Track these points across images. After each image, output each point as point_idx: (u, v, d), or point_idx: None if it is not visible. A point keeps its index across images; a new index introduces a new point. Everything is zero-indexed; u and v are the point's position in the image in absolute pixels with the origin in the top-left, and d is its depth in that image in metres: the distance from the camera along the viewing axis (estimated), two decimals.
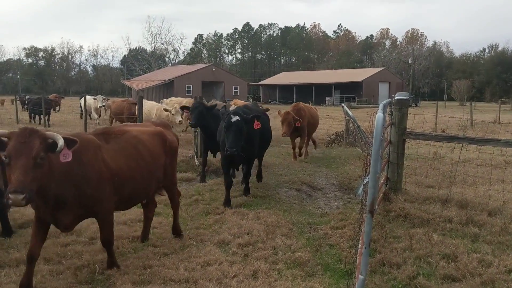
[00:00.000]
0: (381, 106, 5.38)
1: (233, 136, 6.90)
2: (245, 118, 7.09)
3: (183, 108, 10.60)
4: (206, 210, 6.98)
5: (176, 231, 5.73)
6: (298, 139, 11.99)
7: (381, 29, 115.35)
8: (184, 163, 10.53)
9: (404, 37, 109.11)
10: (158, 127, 5.53)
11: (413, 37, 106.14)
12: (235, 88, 65.60)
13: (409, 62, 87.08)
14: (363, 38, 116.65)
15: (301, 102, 12.67)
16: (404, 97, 7.61)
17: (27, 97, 36.52)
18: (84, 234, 5.59)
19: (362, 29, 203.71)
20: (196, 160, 10.67)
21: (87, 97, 24.00)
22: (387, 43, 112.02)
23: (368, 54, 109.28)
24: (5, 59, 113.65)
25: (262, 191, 8.08)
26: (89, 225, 5.91)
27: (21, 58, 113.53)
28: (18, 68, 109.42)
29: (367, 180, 5.77)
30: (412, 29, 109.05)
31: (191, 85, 60.13)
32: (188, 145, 13.34)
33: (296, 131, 11.32)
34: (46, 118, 22.25)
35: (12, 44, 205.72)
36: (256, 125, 7.24)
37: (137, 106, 11.39)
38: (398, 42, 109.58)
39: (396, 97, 7.50)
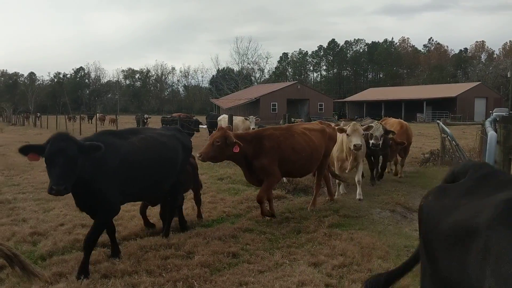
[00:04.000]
0: (487, 123, 5.05)
1: None
2: None
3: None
4: (297, 228, 6.92)
5: None
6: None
7: (476, 41, 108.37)
8: None
9: (501, 49, 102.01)
10: None
11: None
12: (320, 105, 65.28)
13: (508, 76, 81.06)
14: (456, 51, 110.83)
15: (302, 122, 9.50)
16: (503, 113, 7.10)
17: (145, 116, 38.93)
18: (183, 248, 5.77)
19: (455, 42, 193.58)
20: (284, 178, 10.69)
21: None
22: (483, 56, 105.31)
23: (462, 69, 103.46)
24: (105, 81, 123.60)
25: (354, 211, 7.86)
26: (186, 240, 6.12)
27: (119, 80, 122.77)
28: (116, 89, 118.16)
29: None
30: (510, 41, 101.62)
31: (276, 103, 60.82)
32: None
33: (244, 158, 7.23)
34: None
35: (111, 67, 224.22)
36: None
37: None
38: (495, 55, 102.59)
39: (494, 113, 7.02)
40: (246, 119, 20.14)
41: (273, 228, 6.96)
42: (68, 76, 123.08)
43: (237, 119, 20.43)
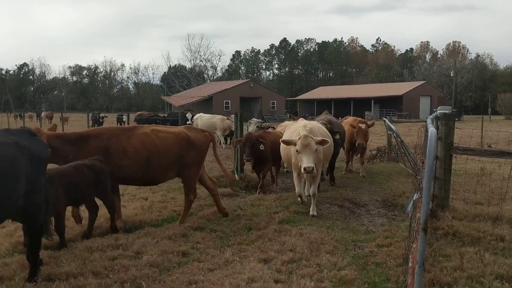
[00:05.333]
0: (429, 120, 5.26)
1: None
2: None
3: None
4: (248, 225, 6.95)
5: None
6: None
7: (421, 42, 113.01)
8: (224, 178, 10.60)
9: (445, 50, 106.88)
10: None
11: (455, 50, 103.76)
12: (273, 103, 65.86)
13: (451, 75, 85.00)
14: (403, 51, 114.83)
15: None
16: (446, 111, 7.40)
17: (101, 115, 38.22)
18: (131, 249, 5.66)
19: (402, 42, 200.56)
20: (236, 175, 10.71)
21: (207, 115, 20.13)
22: (428, 56, 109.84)
23: (408, 68, 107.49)
24: (51, 77, 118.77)
25: (304, 207, 7.98)
26: (135, 240, 6.01)
27: (66, 77, 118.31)
28: (63, 86, 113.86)
29: (416, 196, 5.62)
30: (453, 41, 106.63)
31: (229, 101, 60.82)
32: (228, 160, 13.43)
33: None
34: None
35: (57, 63, 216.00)
36: None
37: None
38: (439, 55, 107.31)
39: (438, 111, 7.31)
40: (228, 119, 18.51)
41: (224, 226, 6.96)
42: (11, 72, 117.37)
43: (216, 118, 19.03)
